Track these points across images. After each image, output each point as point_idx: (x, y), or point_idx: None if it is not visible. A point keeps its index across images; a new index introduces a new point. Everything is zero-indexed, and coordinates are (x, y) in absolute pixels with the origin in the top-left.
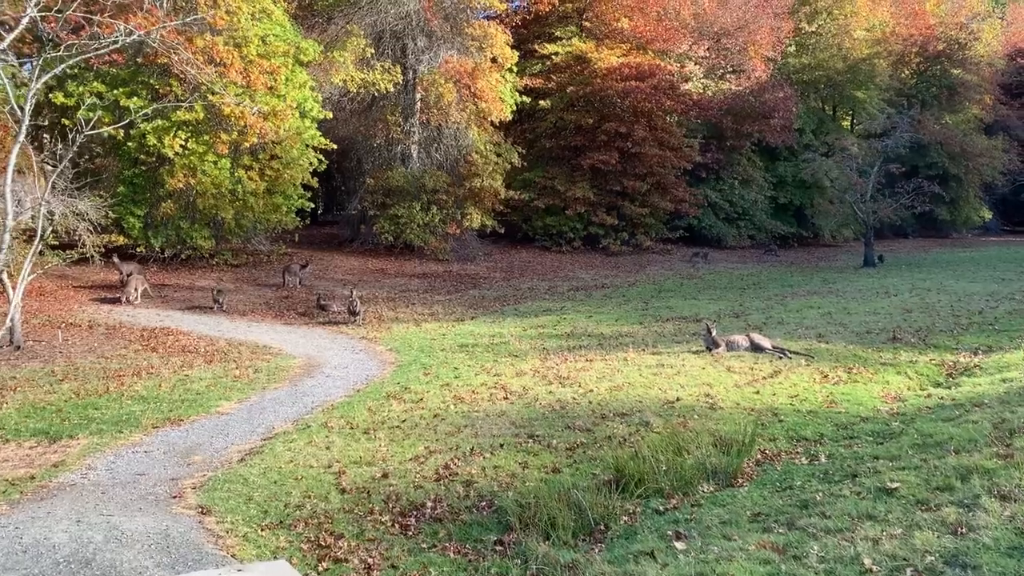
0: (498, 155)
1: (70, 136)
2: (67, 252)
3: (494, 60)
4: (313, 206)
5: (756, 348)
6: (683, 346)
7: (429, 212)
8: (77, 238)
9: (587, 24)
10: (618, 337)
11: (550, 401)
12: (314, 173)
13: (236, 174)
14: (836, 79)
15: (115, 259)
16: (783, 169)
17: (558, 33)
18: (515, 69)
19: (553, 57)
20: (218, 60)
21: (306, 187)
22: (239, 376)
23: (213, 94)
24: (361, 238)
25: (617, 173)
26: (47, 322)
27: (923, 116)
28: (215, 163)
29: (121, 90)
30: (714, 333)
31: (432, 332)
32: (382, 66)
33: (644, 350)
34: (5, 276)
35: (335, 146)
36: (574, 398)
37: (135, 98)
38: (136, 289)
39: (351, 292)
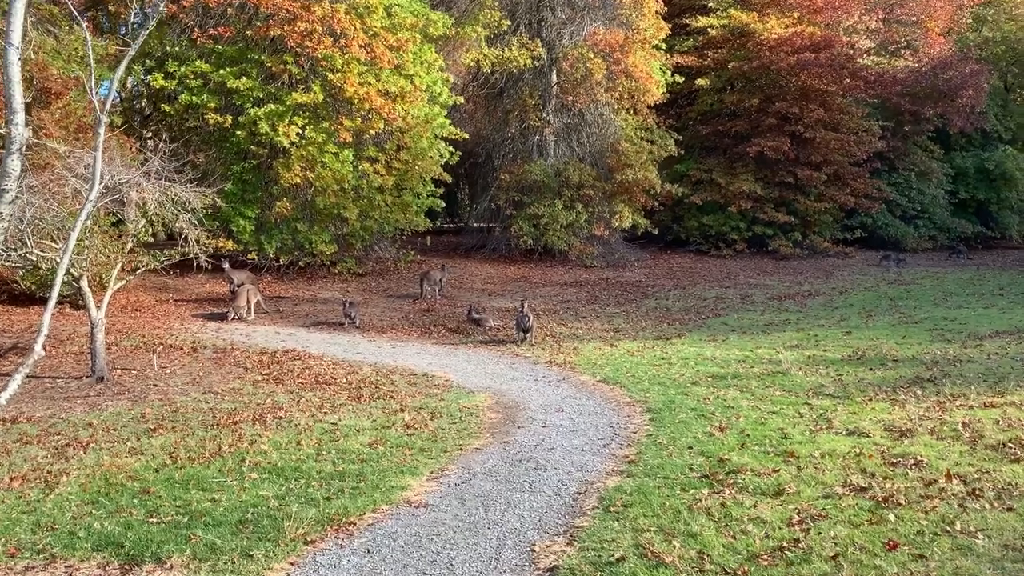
0: (651, 142)
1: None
2: (166, 253)
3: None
4: (444, 204)
5: None
6: None
7: (573, 210)
8: (179, 231)
9: None
10: (946, 363)
11: None
12: (445, 167)
13: (360, 167)
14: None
15: (225, 266)
16: (961, 160)
17: (711, 4)
18: (663, 46)
19: (708, 31)
20: (339, 32)
21: (437, 183)
22: (412, 425)
23: (333, 72)
24: (493, 243)
25: (788, 162)
26: (140, 344)
27: None
28: (336, 155)
29: (228, 70)
30: None
31: (642, 355)
32: (518, 41)
33: None
34: (85, 283)
35: (467, 135)
36: None
37: (244, 79)
38: (248, 302)
39: (522, 304)
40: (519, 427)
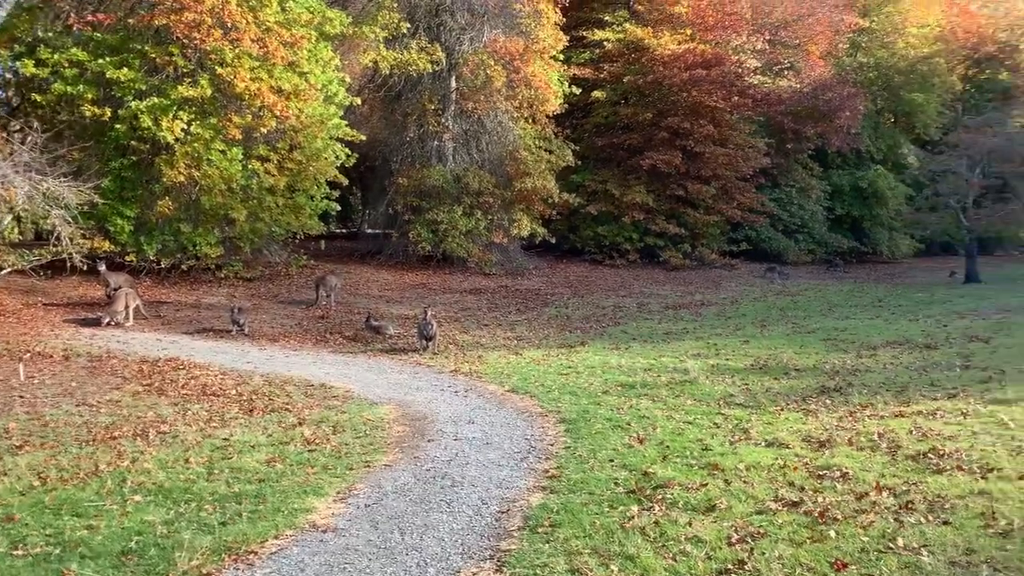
0: (549, 151)
1: None
2: (35, 253)
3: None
4: (340, 208)
5: None
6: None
7: (473, 217)
8: (50, 230)
9: (639, 8)
10: (846, 373)
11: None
12: (340, 170)
13: (250, 166)
14: (893, 80)
15: (101, 268)
16: (838, 178)
17: (607, 18)
18: (561, 57)
19: (605, 44)
20: (230, 24)
21: (332, 185)
22: (313, 440)
23: (222, 66)
24: (390, 249)
25: (679, 176)
26: (4, 352)
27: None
28: (224, 152)
29: (108, 59)
30: None
31: (548, 364)
32: (417, 44)
33: (969, 397)
34: None
35: (364, 137)
36: None
37: (125, 69)
38: (126, 306)
39: (424, 311)
40: (429, 440)
